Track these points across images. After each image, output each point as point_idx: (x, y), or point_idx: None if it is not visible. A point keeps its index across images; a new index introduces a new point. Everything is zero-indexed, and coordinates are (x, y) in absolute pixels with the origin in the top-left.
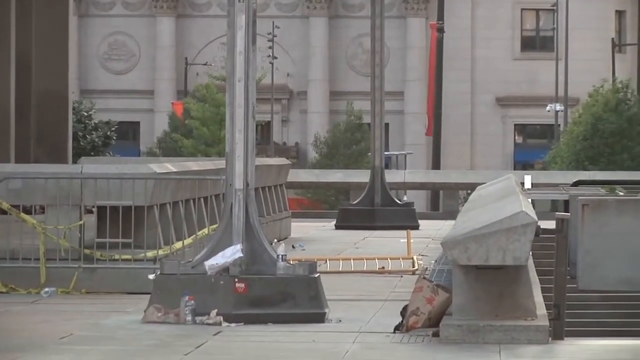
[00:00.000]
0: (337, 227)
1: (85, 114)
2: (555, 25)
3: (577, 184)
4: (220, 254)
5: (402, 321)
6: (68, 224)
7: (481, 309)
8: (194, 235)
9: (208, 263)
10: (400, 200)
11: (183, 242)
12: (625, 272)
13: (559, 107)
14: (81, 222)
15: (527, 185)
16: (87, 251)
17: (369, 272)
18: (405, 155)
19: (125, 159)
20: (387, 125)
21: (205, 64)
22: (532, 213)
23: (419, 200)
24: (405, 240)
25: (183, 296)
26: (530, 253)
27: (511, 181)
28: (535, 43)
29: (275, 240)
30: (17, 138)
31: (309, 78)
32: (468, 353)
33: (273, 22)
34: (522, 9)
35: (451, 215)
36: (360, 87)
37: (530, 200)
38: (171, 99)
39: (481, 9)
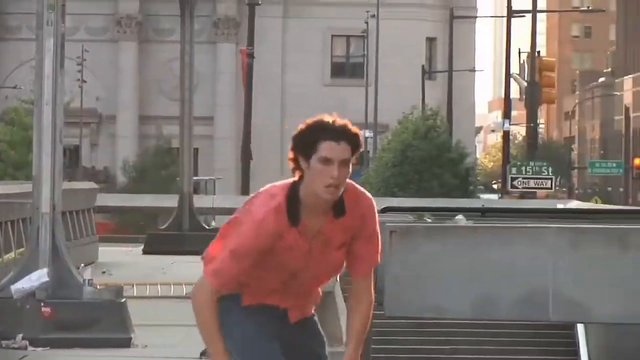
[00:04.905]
0: (145, 252)
1: None
2: (365, 52)
3: (385, 210)
4: (26, 277)
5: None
6: None
7: None
8: (0, 259)
9: (14, 287)
10: (208, 225)
11: None
12: (432, 299)
13: (368, 133)
14: None
15: None
16: None
17: (176, 298)
18: (214, 180)
19: None
20: (196, 150)
21: (14, 87)
22: None
23: None
24: None
25: None
26: (337, 280)
27: None
28: (345, 69)
29: (82, 264)
30: None
31: (119, 102)
32: None
33: (82, 46)
34: (332, 35)
35: None
36: (170, 112)
37: None
38: None
39: (291, 35)
